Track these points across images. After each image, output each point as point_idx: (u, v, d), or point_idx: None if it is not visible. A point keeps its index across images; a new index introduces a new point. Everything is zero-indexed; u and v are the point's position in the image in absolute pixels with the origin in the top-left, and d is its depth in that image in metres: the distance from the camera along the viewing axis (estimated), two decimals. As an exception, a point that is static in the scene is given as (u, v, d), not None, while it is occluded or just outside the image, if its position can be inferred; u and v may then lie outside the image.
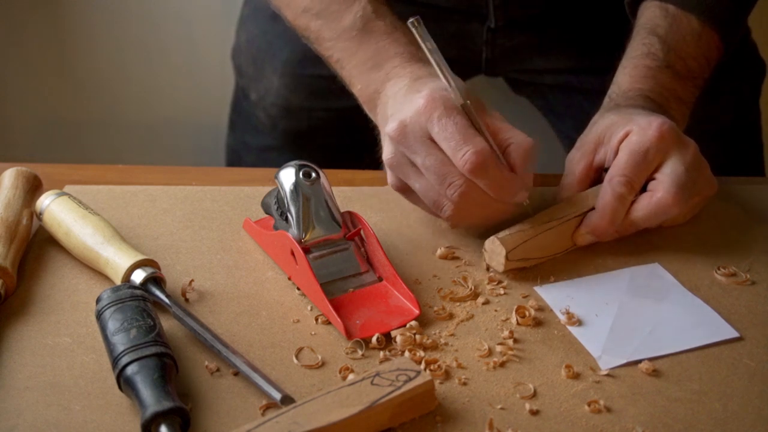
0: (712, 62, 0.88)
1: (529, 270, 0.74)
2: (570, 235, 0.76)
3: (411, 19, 0.73)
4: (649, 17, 0.88)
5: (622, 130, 0.76)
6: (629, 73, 0.85)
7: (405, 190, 0.77)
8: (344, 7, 0.84)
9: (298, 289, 0.71)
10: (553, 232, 0.75)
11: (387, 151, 0.75)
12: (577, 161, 0.80)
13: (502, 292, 0.72)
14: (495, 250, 0.73)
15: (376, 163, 1.34)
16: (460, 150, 0.69)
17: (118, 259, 0.68)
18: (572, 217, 0.76)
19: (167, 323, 0.65)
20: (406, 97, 0.75)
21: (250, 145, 1.30)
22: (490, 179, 0.70)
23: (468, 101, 0.72)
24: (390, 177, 0.77)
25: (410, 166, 0.74)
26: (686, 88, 0.85)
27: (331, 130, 1.24)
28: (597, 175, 0.80)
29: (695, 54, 0.86)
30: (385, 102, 0.79)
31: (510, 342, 0.66)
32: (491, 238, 0.74)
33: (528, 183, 0.73)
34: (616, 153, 0.77)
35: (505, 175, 0.71)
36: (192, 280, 0.70)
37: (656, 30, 0.86)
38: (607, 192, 0.75)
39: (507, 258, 0.73)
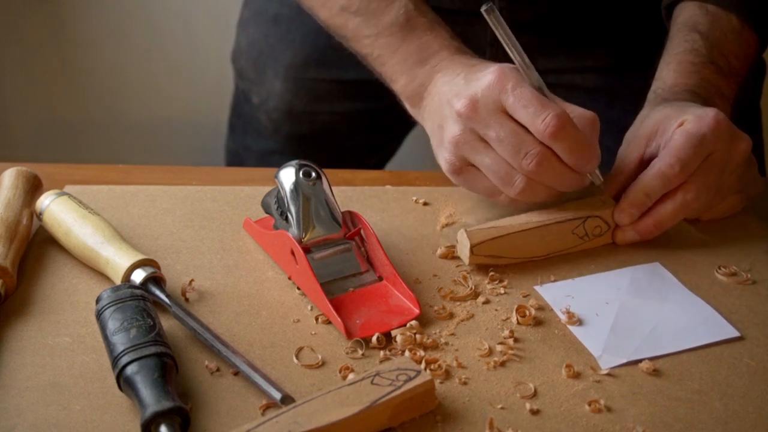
0: (750, 60, 0.89)
1: (529, 269, 0.74)
2: (552, 240, 0.76)
3: (484, 7, 0.73)
4: (689, 15, 0.89)
5: (677, 121, 0.76)
6: (674, 68, 0.85)
7: (463, 171, 0.76)
8: (384, 4, 0.84)
9: (298, 288, 0.71)
10: (530, 234, 0.74)
11: (452, 130, 0.74)
12: (627, 155, 0.79)
13: (502, 291, 0.72)
14: (463, 242, 0.74)
15: (379, 166, 1.35)
16: (540, 115, 0.70)
17: (118, 259, 0.68)
18: (552, 223, 0.75)
19: (167, 323, 0.65)
20: (468, 77, 0.75)
21: (251, 149, 1.30)
22: (571, 141, 0.70)
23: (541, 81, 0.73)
24: (449, 156, 0.76)
25: (479, 141, 0.73)
26: (728, 85, 0.86)
27: (334, 133, 1.24)
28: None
29: (736, 51, 0.87)
30: (437, 92, 0.79)
31: (510, 341, 0.66)
32: (461, 230, 0.74)
33: (598, 153, 0.73)
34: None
35: (583, 138, 0.71)
36: (192, 280, 0.70)
37: (697, 27, 0.87)
38: (652, 168, 0.75)
39: (472, 252, 0.73)
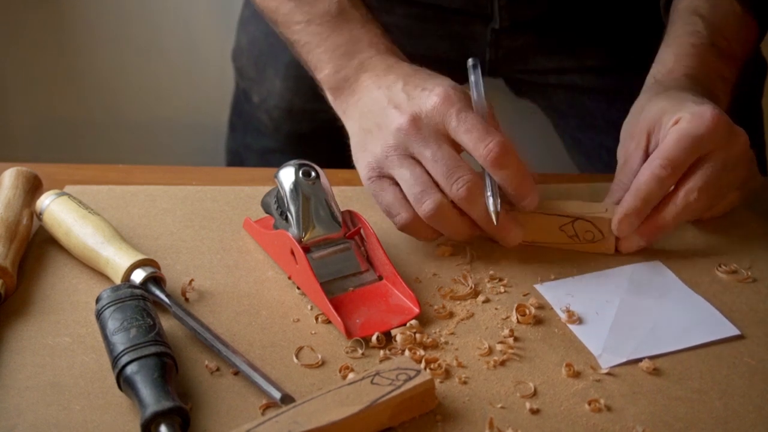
0: (751, 46, 0.88)
1: (529, 268, 0.74)
2: (535, 229, 0.75)
3: (471, 62, 0.75)
4: (690, 1, 0.88)
5: (673, 117, 0.75)
6: (674, 51, 0.84)
7: (379, 179, 0.75)
8: None
9: (298, 288, 0.71)
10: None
11: (386, 140, 0.74)
12: (631, 153, 0.78)
13: (502, 290, 0.72)
14: None
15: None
16: (484, 140, 0.70)
17: (118, 259, 0.68)
18: (537, 212, 0.75)
19: (167, 323, 0.65)
20: (408, 89, 0.75)
21: (252, 148, 1.30)
22: (513, 169, 0.70)
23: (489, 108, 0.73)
24: (374, 162, 0.75)
25: (407, 157, 0.73)
26: (729, 68, 0.85)
27: (334, 132, 1.23)
28: None
29: (737, 35, 0.86)
30: (368, 95, 0.78)
31: (510, 340, 0.66)
32: None
33: (536, 188, 0.73)
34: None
35: (524, 169, 0.71)
36: (192, 280, 0.70)
37: (698, 11, 0.86)
38: (644, 172, 0.74)
39: None
